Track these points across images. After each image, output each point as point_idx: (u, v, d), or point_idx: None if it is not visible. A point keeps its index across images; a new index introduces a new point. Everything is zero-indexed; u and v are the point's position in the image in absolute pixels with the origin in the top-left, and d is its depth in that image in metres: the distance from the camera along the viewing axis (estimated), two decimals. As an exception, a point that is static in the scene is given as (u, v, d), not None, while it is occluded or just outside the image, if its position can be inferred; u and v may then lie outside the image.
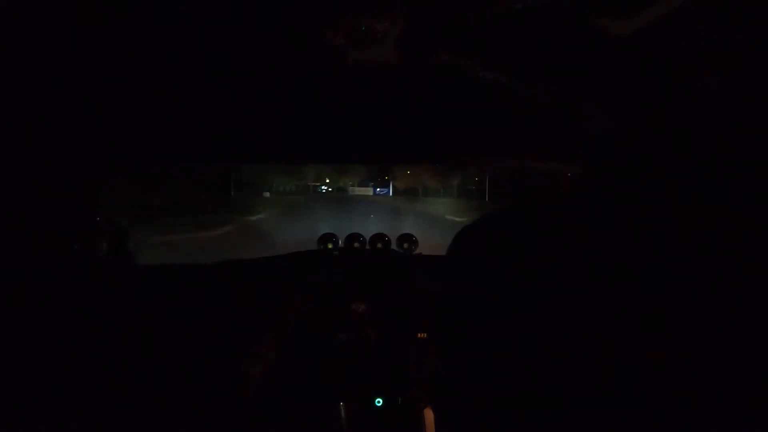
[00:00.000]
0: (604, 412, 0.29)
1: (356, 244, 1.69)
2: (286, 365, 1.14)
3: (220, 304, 1.15)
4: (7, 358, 0.85)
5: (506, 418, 0.33)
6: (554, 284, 0.32)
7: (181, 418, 1.02)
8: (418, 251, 1.70)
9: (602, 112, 0.75)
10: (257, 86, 0.84)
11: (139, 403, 0.99)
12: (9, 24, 0.57)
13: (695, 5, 0.45)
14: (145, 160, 1.19)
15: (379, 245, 1.69)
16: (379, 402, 1.18)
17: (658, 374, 0.28)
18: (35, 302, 0.91)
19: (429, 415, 1.17)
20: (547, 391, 0.31)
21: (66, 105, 0.86)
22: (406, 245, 1.71)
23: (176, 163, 1.40)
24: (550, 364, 0.31)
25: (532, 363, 0.32)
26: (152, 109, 0.92)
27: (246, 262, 1.37)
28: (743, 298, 0.28)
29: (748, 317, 0.28)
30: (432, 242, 1.75)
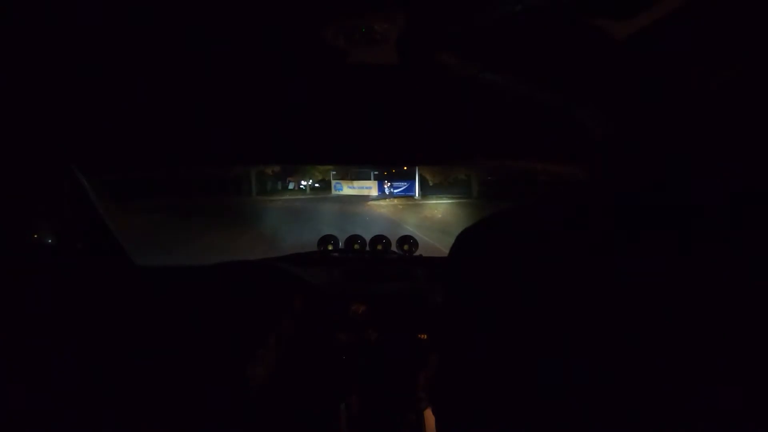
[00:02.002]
0: (603, 412, 0.29)
1: (356, 246, 1.68)
2: (287, 366, 1.14)
3: (220, 304, 1.15)
4: (6, 358, 0.85)
5: (506, 419, 0.33)
6: (554, 285, 0.32)
7: (182, 418, 1.01)
8: (418, 253, 1.70)
9: (603, 114, 0.75)
10: (256, 87, 0.84)
11: (140, 404, 0.99)
12: (9, 23, 0.57)
13: (695, 5, 0.45)
14: (144, 161, 1.19)
15: (379, 247, 1.69)
16: (379, 402, 1.18)
17: (658, 374, 0.28)
18: (36, 303, 0.91)
19: (429, 416, 1.17)
20: (547, 391, 0.31)
21: (66, 104, 0.86)
22: (406, 247, 1.70)
23: (175, 163, 1.40)
24: (550, 364, 0.31)
25: (532, 364, 0.32)
26: (151, 109, 0.92)
27: (247, 263, 1.37)
28: (743, 298, 0.28)
29: (748, 317, 0.28)
30: (432, 244, 1.73)
